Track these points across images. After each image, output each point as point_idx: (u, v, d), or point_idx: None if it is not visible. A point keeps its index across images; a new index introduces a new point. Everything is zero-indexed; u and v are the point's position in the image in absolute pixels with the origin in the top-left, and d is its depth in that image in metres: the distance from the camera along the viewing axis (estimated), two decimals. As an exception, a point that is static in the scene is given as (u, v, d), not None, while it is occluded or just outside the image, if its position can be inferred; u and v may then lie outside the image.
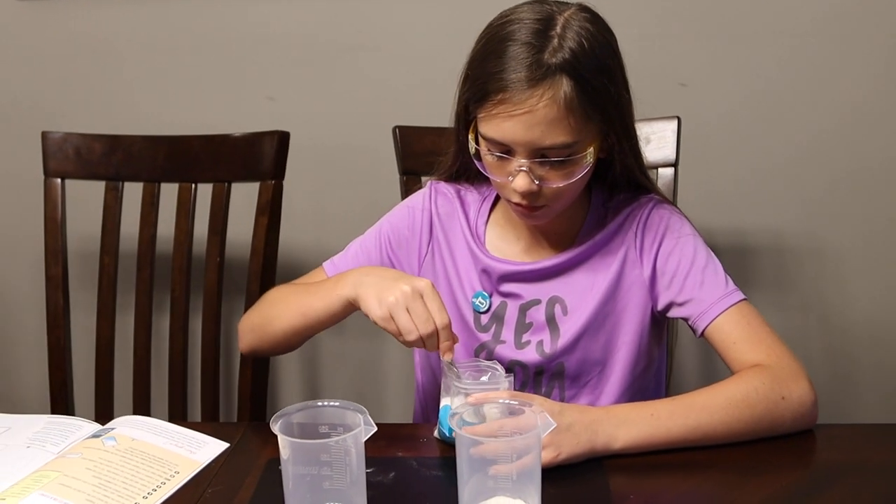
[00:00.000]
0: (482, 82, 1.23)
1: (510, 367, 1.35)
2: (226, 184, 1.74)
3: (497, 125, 1.22)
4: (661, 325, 1.41)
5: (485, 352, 1.38)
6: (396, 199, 1.78)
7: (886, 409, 2.12)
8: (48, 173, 1.78)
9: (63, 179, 1.78)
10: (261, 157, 1.72)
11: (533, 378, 1.36)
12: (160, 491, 1.13)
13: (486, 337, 1.38)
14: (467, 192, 1.45)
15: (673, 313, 1.34)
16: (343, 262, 1.47)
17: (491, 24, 1.27)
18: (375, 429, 1.03)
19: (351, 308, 1.27)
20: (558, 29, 1.21)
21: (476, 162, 1.31)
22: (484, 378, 1.17)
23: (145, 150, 1.77)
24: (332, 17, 1.99)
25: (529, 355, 1.35)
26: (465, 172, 1.42)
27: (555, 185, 1.25)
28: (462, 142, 1.34)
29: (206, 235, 1.76)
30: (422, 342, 1.19)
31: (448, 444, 1.22)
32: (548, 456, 1.11)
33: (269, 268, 1.74)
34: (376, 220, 2.05)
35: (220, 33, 2.01)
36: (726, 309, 1.28)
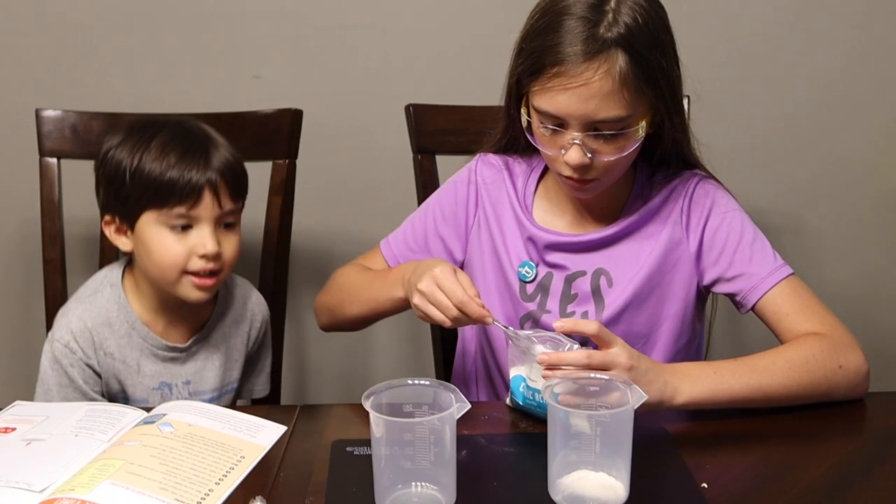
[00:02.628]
0: (537, 56, 1.23)
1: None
2: (235, 163, 1.69)
3: (552, 98, 1.23)
4: (704, 301, 1.43)
5: (530, 321, 1.38)
6: (409, 178, 1.76)
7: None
8: (43, 153, 1.70)
9: (59, 159, 1.70)
10: (274, 136, 1.68)
11: None
12: (231, 476, 1.10)
13: (531, 306, 1.38)
14: (515, 162, 1.45)
15: (720, 288, 1.36)
16: (395, 239, 1.48)
17: None
18: (469, 406, 1.02)
19: (409, 304, 1.30)
20: (613, 4, 1.22)
21: (528, 135, 1.31)
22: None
23: (148, 128, 1.70)
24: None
25: None
26: (514, 146, 1.43)
27: (606, 159, 1.26)
28: (513, 116, 1.34)
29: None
30: (459, 323, 1.21)
31: (520, 412, 1.24)
32: None
33: (283, 249, 1.70)
34: (381, 201, 2.02)
35: (218, 9, 1.94)
36: (778, 283, 1.31)
